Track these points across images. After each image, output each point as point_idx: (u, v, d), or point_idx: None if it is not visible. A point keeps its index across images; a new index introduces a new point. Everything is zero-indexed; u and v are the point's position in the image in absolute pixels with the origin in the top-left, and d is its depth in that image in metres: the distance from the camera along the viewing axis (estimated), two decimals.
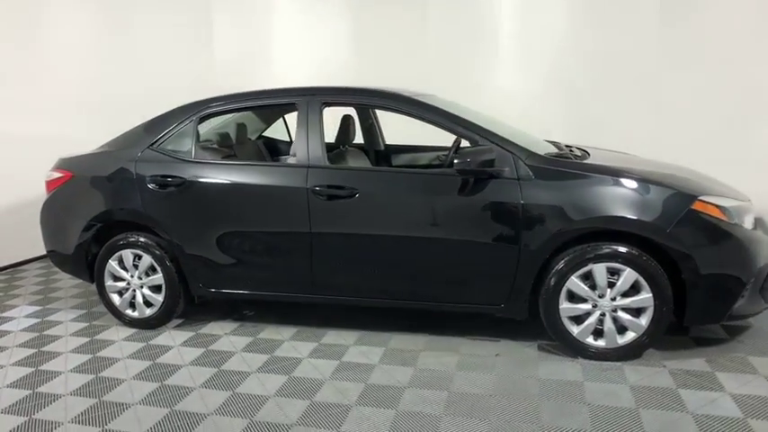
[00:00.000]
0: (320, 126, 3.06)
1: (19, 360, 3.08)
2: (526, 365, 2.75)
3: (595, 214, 2.62)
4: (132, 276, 3.37)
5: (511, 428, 2.23)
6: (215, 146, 3.57)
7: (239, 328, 3.38)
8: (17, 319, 3.70)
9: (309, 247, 3.01)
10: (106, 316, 3.56)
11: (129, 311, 3.43)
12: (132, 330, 3.40)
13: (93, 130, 3.95)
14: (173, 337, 3.28)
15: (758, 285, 2.69)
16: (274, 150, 4.17)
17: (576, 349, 2.78)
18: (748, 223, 2.71)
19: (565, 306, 2.74)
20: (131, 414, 2.47)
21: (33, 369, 2.96)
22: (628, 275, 2.62)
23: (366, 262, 2.99)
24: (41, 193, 3.55)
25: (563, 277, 2.69)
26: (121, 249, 3.34)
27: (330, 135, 3.76)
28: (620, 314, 2.69)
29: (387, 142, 4.26)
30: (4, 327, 3.57)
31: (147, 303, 3.38)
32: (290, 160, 3.15)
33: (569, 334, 2.76)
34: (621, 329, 2.71)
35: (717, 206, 2.61)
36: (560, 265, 2.69)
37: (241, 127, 3.76)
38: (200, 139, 3.56)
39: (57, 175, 3.46)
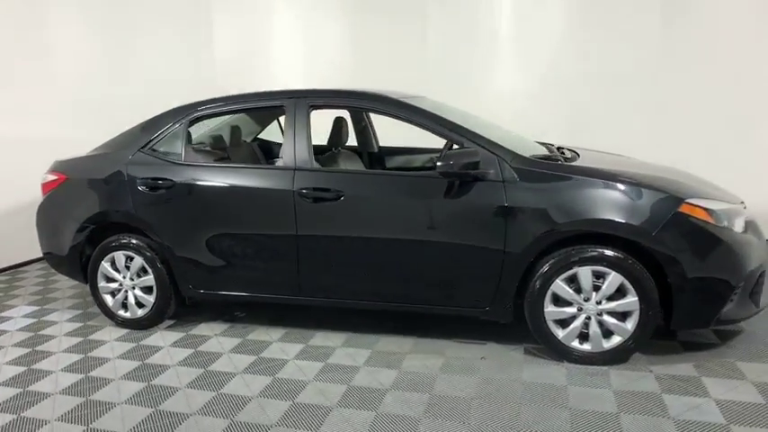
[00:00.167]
0: (307, 129, 3.07)
1: (13, 359, 3.13)
2: (511, 368, 2.74)
3: (580, 217, 2.60)
4: (124, 278, 3.41)
5: (488, 431, 2.22)
6: (208, 148, 3.60)
7: (229, 329, 3.41)
8: (14, 318, 3.76)
9: (296, 249, 3.02)
10: (100, 317, 3.61)
11: (121, 312, 3.47)
12: (124, 331, 3.45)
13: (93, 131, 3.97)
14: (163, 338, 3.31)
15: (748, 289, 2.65)
16: (270, 153, 4.20)
17: (561, 353, 2.76)
18: (738, 226, 2.66)
19: (550, 309, 2.72)
20: (116, 413, 2.50)
21: (26, 368, 3.01)
22: (613, 279, 2.59)
23: (352, 264, 3.00)
24: (41, 195, 3.60)
25: (548, 280, 2.67)
26: (114, 251, 3.38)
27: (325, 138, 3.79)
28: (606, 318, 2.66)
29: (381, 144, 4.26)
30: (2, 326, 3.63)
31: (139, 304, 3.42)
32: (278, 163, 3.16)
33: (554, 337, 2.74)
34: (607, 333, 2.68)
35: (704, 209, 2.58)
36: (545, 267, 2.67)
37: (235, 129, 3.79)
38: (194, 141, 3.60)
39: (51, 177, 3.51)
